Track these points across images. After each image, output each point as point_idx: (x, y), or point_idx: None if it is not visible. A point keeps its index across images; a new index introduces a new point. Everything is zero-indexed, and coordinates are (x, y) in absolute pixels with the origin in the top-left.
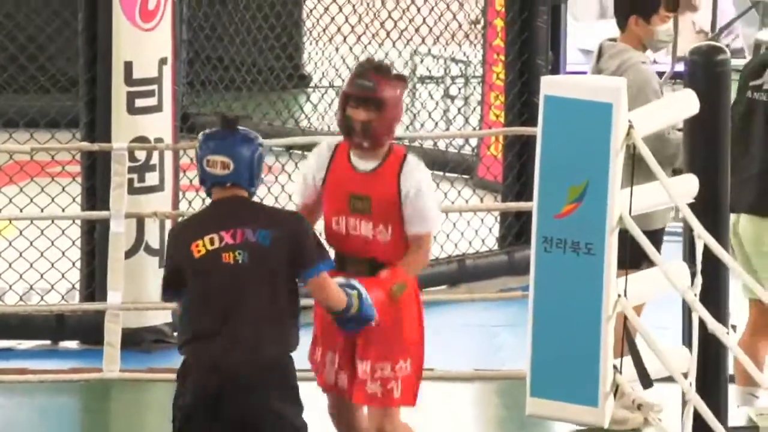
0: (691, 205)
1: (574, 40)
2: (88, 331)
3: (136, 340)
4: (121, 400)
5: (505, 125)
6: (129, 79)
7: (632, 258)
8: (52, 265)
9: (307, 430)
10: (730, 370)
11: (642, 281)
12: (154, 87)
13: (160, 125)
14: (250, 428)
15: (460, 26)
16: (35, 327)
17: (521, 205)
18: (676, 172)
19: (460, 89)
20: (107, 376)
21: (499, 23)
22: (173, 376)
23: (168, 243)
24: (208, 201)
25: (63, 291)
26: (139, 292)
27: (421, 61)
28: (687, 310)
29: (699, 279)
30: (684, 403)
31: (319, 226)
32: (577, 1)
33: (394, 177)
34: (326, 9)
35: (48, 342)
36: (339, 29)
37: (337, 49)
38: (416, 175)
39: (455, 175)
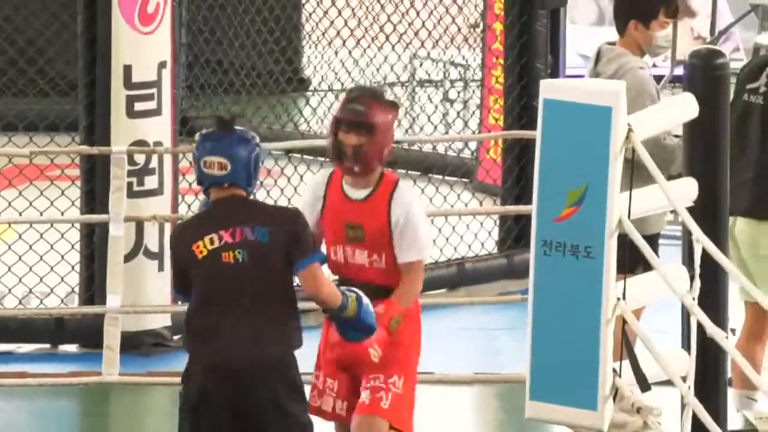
0: (690, 209)
1: (572, 45)
2: (88, 334)
3: (135, 344)
4: (120, 403)
5: (505, 129)
6: (128, 83)
7: (628, 262)
8: (52, 268)
9: (312, 428)
10: (729, 374)
11: (641, 285)
12: (154, 90)
13: (160, 129)
14: (255, 427)
15: (459, 30)
16: (34, 330)
17: (520, 208)
18: (672, 179)
19: (459, 93)
20: (106, 380)
21: (498, 27)
22: (173, 379)
23: (170, 246)
24: None
25: (62, 294)
26: (138, 296)
27: (420, 64)
28: (686, 314)
29: (697, 283)
30: (683, 406)
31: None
32: (575, 5)
33: (385, 205)
34: (325, 13)
35: (47, 345)
36: (338, 33)
37: (336, 53)
38: (406, 202)
39: (454, 178)
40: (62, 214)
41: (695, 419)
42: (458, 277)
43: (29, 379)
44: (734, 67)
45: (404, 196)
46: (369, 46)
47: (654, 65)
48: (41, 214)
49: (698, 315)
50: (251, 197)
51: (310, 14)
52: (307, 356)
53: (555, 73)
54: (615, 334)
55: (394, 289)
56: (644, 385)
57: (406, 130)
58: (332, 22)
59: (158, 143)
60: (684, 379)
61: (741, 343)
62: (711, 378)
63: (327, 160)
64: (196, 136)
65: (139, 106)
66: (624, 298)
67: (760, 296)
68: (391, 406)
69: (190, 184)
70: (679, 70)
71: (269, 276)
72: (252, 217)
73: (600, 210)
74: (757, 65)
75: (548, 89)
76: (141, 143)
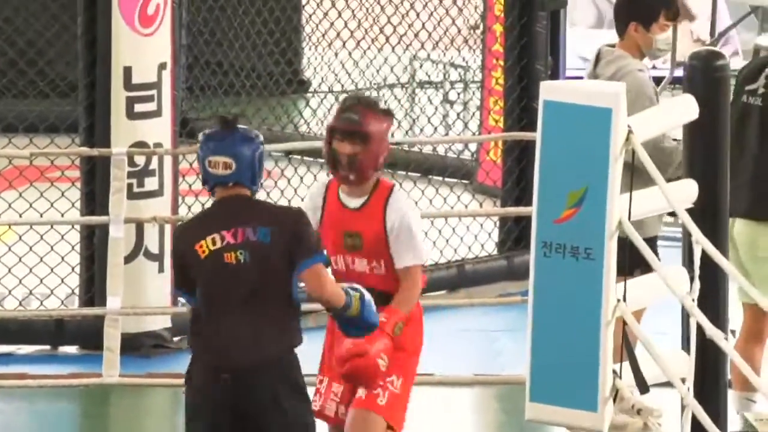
0: (690, 211)
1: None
2: (88, 336)
3: (135, 345)
4: (120, 405)
5: (505, 130)
6: (128, 84)
7: (626, 265)
8: (52, 270)
9: (315, 427)
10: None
11: (641, 287)
12: (154, 92)
13: (160, 130)
14: (255, 427)
15: (459, 31)
16: (35, 332)
17: (520, 210)
18: (669, 182)
19: (459, 94)
20: (106, 381)
21: (498, 28)
22: (173, 381)
23: (172, 244)
24: (207, 206)
25: (62, 296)
26: (138, 297)
27: (421, 66)
28: (686, 316)
29: (697, 284)
30: (682, 408)
31: None
32: (574, 7)
33: (380, 212)
34: (325, 14)
35: (47, 347)
36: (338, 34)
37: (336, 54)
38: (401, 207)
39: (454, 180)
40: (62, 215)
41: (695, 421)
42: (458, 278)
43: (29, 381)
44: (733, 69)
45: (399, 201)
46: (369, 48)
47: (654, 67)
48: (41, 216)
49: (698, 316)
50: (255, 195)
51: (310, 16)
52: (310, 357)
53: (555, 74)
54: (615, 335)
55: (393, 292)
56: (643, 387)
57: (407, 132)
58: (332, 24)
59: (158, 145)
60: (684, 380)
61: (739, 344)
62: (711, 380)
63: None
64: (200, 136)
65: (139, 108)
66: (624, 299)
67: (759, 298)
68: (388, 404)
69: (190, 186)
70: (679, 72)
71: (270, 277)
72: (254, 218)
73: (600, 211)
74: (756, 67)
75: (548, 91)
76: (141, 144)
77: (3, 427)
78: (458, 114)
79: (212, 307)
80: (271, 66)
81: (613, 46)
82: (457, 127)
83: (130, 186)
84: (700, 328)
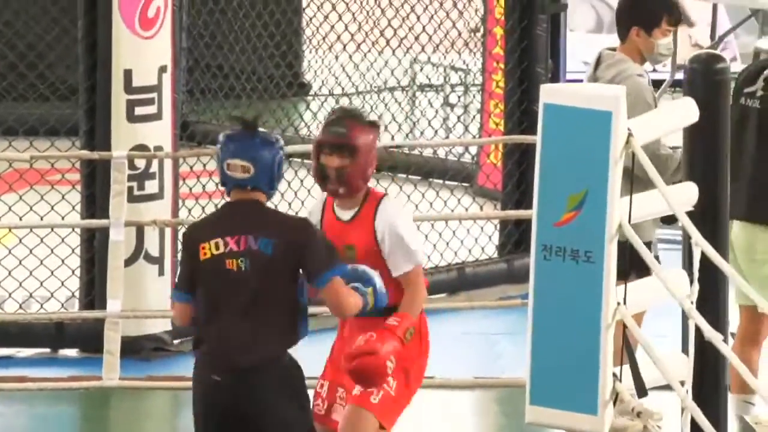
0: (690, 213)
1: (571, 51)
2: (88, 339)
3: (135, 348)
4: (120, 408)
5: (505, 133)
6: (129, 87)
7: (626, 268)
8: (52, 273)
9: (314, 430)
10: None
11: (641, 289)
12: (154, 95)
13: (160, 133)
14: (255, 429)
15: (459, 34)
16: (35, 335)
17: (521, 213)
18: None
19: (459, 97)
20: (107, 384)
21: (498, 31)
22: (173, 384)
23: (183, 241)
24: (208, 209)
25: (62, 299)
26: (138, 300)
27: (421, 69)
28: (686, 318)
29: (696, 287)
30: (682, 411)
31: None
32: (574, 12)
33: (370, 223)
34: (326, 17)
35: (47, 350)
36: (339, 37)
37: (336, 58)
38: (389, 215)
39: (455, 183)
40: (63, 218)
41: (694, 424)
42: (458, 281)
43: (29, 384)
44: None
45: (387, 210)
46: (369, 51)
47: (654, 69)
48: (42, 219)
49: (696, 319)
50: (271, 199)
51: (311, 18)
52: (311, 362)
53: (555, 77)
54: (615, 338)
55: (397, 303)
56: (642, 390)
57: (407, 135)
58: (333, 27)
59: (159, 148)
60: (683, 383)
61: (736, 346)
62: (710, 382)
63: None
64: (220, 137)
65: (139, 111)
66: (624, 302)
67: (759, 300)
68: (381, 403)
69: (190, 189)
70: (680, 75)
71: (270, 286)
72: (260, 227)
73: (600, 215)
74: (756, 69)
75: (548, 94)
76: (141, 148)
77: (3, 430)
78: (459, 117)
79: (213, 311)
80: (271, 69)
81: (614, 49)
82: (458, 130)
83: (130, 189)
84: (699, 330)
